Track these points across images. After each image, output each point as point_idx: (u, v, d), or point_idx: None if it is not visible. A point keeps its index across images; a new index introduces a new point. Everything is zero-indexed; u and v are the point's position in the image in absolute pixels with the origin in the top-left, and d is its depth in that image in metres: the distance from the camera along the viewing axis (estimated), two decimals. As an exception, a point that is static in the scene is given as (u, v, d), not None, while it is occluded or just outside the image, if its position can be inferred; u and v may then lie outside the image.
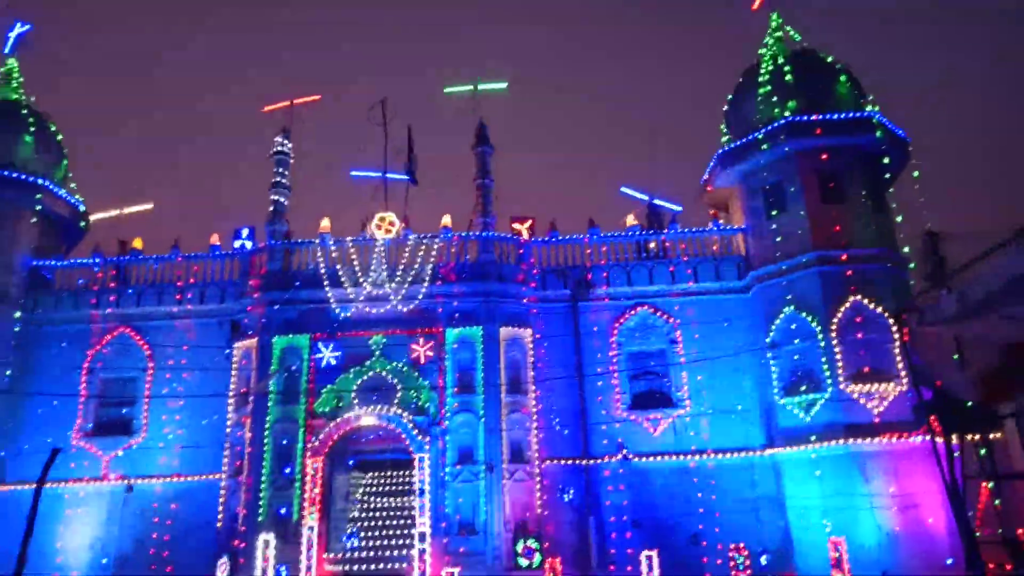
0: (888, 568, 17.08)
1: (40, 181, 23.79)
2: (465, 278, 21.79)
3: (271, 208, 23.43)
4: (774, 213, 22.41)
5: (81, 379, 22.53)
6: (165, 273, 23.86)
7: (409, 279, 21.59)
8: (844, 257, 20.77)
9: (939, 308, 16.01)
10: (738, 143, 23.20)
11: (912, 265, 21.12)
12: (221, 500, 20.66)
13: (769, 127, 22.41)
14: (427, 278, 21.61)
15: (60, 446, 21.06)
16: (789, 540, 20.07)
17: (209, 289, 23.30)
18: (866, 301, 20.31)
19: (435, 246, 22.09)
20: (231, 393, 21.68)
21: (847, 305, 20.40)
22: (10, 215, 23.32)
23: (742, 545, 17.12)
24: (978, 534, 15.35)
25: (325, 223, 22.92)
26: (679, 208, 25.47)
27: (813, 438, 19.84)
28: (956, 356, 15.24)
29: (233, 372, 21.88)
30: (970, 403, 15.82)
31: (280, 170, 23.85)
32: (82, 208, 25.87)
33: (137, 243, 24.87)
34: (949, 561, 16.91)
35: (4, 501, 21.46)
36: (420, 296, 21.44)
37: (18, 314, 23.00)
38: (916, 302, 19.50)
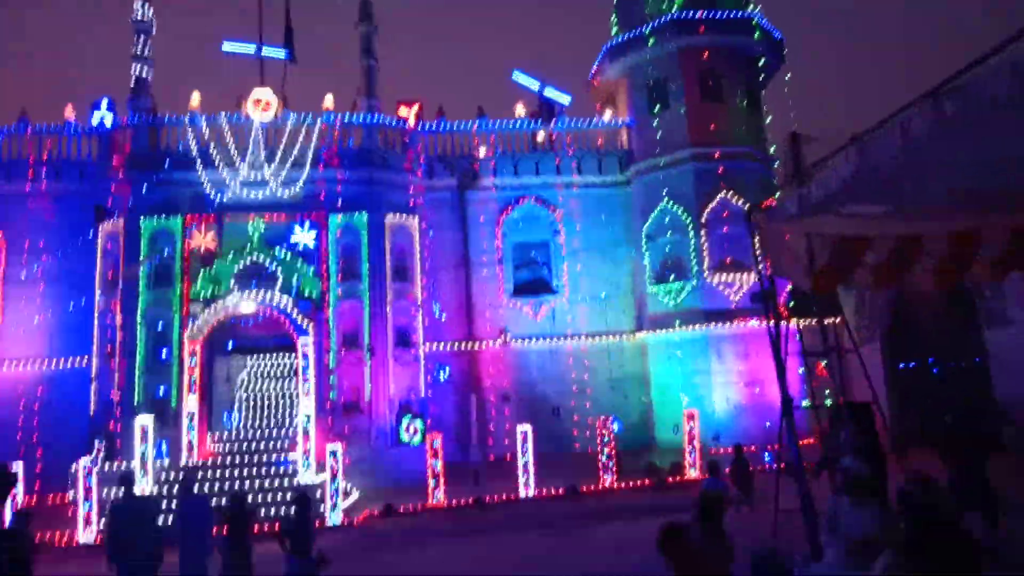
0: (721, 432, 19.25)
1: None
2: (349, 163, 21.31)
3: (133, 81, 21.63)
4: (656, 109, 23.07)
5: (-79, 260, 20.70)
6: (13, 147, 21.82)
7: (289, 163, 20.86)
8: (716, 155, 21.89)
9: (783, 207, 17.46)
10: (625, 36, 23.41)
11: (777, 164, 22.57)
12: (93, 385, 20.07)
13: (656, 22, 22.68)
14: (308, 162, 20.95)
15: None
16: (651, 414, 22.07)
17: (65, 167, 21.61)
18: (733, 197, 21.66)
19: (316, 128, 21.31)
20: (97, 277, 20.64)
21: (716, 201, 21.70)
22: None
23: (609, 418, 18.69)
24: (807, 403, 17.50)
25: (195, 100, 21.49)
26: (568, 99, 25.68)
27: (678, 323, 21.51)
28: (801, 251, 16.79)
29: (98, 256, 20.75)
30: (803, 292, 17.75)
31: (141, 39, 21.88)
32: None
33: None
34: (768, 424, 19.12)
35: None
36: (301, 181, 20.84)
37: None
38: (774, 199, 21.09)
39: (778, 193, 21.81)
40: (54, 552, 13.95)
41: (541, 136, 24.08)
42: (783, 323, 17.13)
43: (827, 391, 18.65)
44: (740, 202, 21.68)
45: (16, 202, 21.24)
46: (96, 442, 18.47)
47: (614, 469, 18.22)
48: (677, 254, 22.05)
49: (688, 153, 22.10)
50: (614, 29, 24.74)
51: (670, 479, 18.30)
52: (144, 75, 21.71)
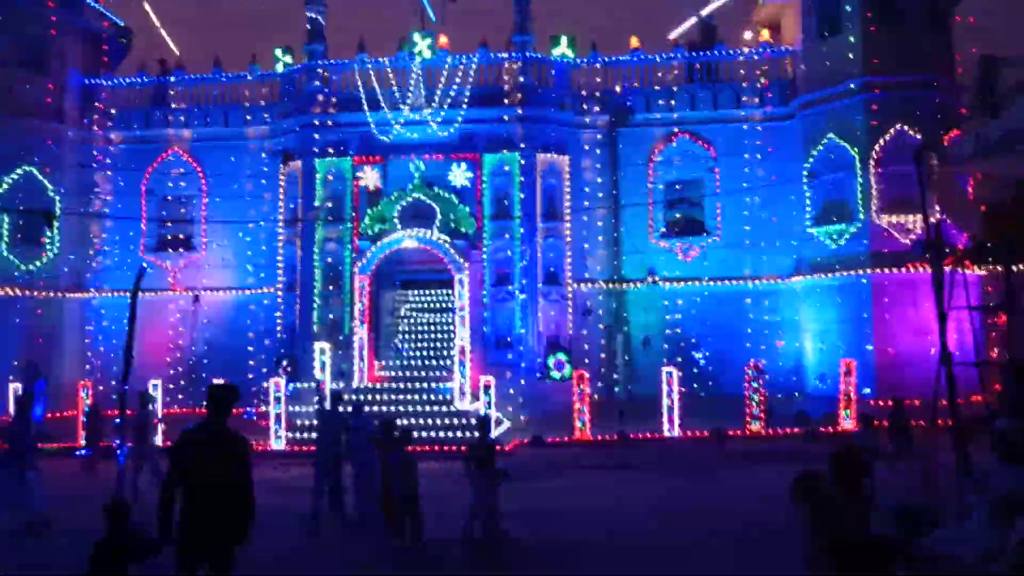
0: (827, 374, 18.95)
1: (80, -3, 23.61)
2: (502, 103, 21.71)
3: (308, 26, 23.10)
4: (827, 34, 21.37)
5: (141, 198, 23.86)
6: (208, 93, 24.27)
7: (447, 103, 21.59)
8: (893, 84, 20.02)
9: (958, 147, 15.87)
10: (796, -46, 21.63)
11: (966, 93, 20.34)
12: (279, 312, 22.59)
13: (831, -64, 20.74)
14: (465, 102, 21.58)
15: (128, 260, 23.12)
16: (805, 361, 21.40)
17: (252, 110, 23.75)
18: (910, 130, 19.84)
19: (472, 68, 21.80)
20: (281, 213, 22.86)
21: (890, 134, 20.00)
22: (57, 33, 23.42)
23: (761, 363, 18.46)
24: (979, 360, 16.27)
25: (362, 43, 22.66)
26: (729, 26, 24.34)
27: (838, 266, 20.44)
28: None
29: (281, 193, 22.91)
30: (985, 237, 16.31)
31: (315, -16, 23.17)
32: (122, 23, 25.83)
33: (180, 63, 25.10)
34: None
35: (86, 307, 23.84)
36: (458, 120, 21.55)
37: (75, 133, 23.92)
38: (958, 132, 19.21)
39: (963, 125, 19.78)
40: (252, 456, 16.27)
41: (699, 67, 23.11)
42: (959, 271, 15.97)
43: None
44: (919, 135, 19.85)
45: (213, 146, 23.75)
46: (282, 363, 20.92)
47: (762, 415, 18.10)
48: (841, 193, 20.70)
49: (860, 83, 20.38)
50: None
51: (822, 429, 17.90)
52: (318, 20, 23.08)
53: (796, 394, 21.08)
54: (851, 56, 20.61)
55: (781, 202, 21.90)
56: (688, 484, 13.59)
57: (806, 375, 21.34)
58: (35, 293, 22.44)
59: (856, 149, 20.36)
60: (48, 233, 22.57)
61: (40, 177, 22.72)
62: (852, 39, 20.64)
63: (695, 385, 20.40)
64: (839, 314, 20.34)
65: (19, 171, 22.38)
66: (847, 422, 17.97)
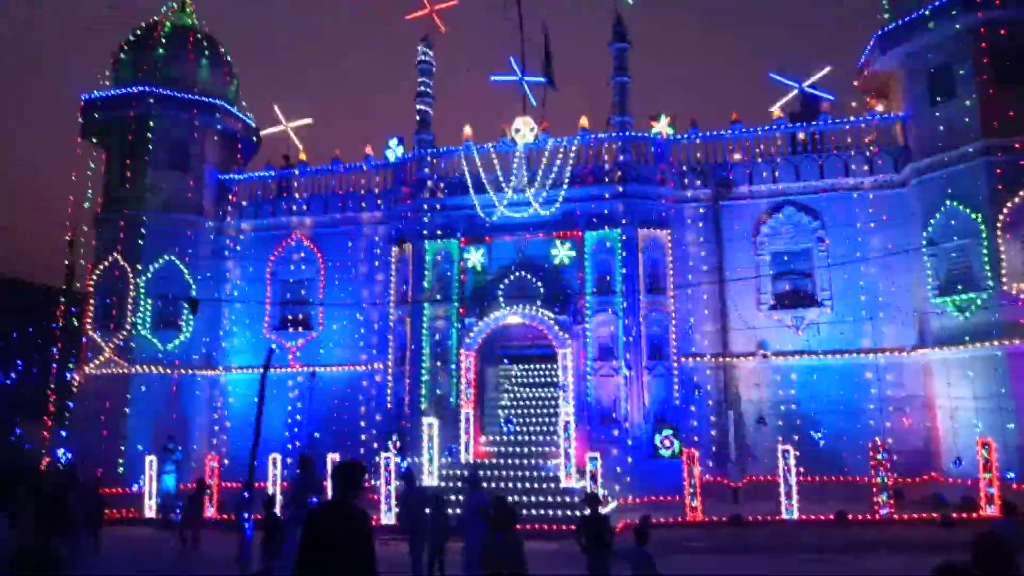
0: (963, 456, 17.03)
1: (218, 101, 26.33)
2: (603, 181, 22.15)
3: (417, 117, 24.62)
4: (939, 99, 20.70)
5: (265, 281, 25.65)
6: (327, 183, 26.14)
7: (548, 183, 22.25)
8: (1018, 145, 19.03)
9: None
10: (901, 21, 21.31)
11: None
12: (389, 387, 23.34)
13: (937, 2, 20.35)
14: (566, 182, 22.16)
15: (253, 339, 24.70)
16: (934, 440, 19.87)
17: (367, 198, 25.32)
18: (1041, 194, 18.68)
19: (573, 149, 22.47)
20: (392, 293, 23.93)
21: (1018, 198, 18.89)
22: (196, 135, 26.18)
23: (884, 443, 17.30)
24: None
25: (468, 130, 23.86)
26: (832, 97, 24.01)
27: (967, 338, 19.11)
28: None
29: (392, 274, 24.04)
30: None
31: (424, 79, 24.81)
32: (253, 124, 28.44)
33: (302, 156, 27.27)
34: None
35: (214, 384, 25.49)
36: (559, 200, 22.11)
37: (211, 224, 26.23)
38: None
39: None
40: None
41: (802, 137, 22.84)
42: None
43: None
44: (1051, 199, 18.65)
45: (331, 231, 25.41)
46: (392, 437, 21.47)
47: (891, 499, 16.86)
48: (966, 262, 19.56)
49: (980, 146, 19.50)
50: (886, 14, 22.58)
51: (958, 515, 16.45)
52: (426, 111, 24.61)
53: (927, 476, 19.55)
54: (968, 120, 19.84)
55: (898, 271, 20.92)
56: (808, 572, 12.75)
57: (937, 455, 19.76)
58: (171, 371, 24.31)
59: (979, 215, 19.32)
60: (185, 316, 24.59)
61: (180, 265, 24.97)
62: (968, 102, 19.90)
63: (813, 465, 19.28)
64: (973, 389, 18.88)
65: (162, 259, 24.71)
66: (988, 508, 16.44)
